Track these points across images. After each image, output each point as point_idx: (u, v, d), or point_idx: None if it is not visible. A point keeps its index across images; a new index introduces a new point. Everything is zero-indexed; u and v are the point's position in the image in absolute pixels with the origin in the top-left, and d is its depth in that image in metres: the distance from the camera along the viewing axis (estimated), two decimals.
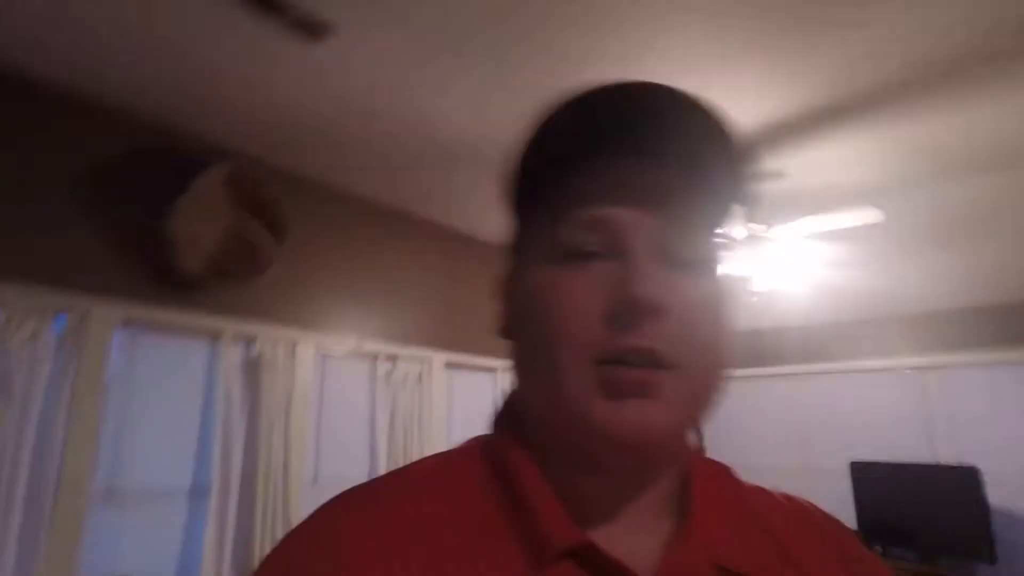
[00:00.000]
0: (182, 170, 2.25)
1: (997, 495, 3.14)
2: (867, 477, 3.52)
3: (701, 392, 0.39)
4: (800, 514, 0.49)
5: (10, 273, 1.95)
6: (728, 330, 0.41)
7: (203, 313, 2.37)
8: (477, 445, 0.46)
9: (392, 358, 3.04)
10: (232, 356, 2.44)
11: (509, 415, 0.46)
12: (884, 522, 3.30)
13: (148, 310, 2.23)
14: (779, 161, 2.49)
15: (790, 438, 4.19)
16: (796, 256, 2.87)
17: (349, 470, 2.85)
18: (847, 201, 2.74)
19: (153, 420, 2.27)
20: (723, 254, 0.44)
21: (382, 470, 2.87)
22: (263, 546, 2.35)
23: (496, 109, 2.22)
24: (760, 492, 0.50)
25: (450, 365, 3.32)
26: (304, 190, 2.81)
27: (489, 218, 3.33)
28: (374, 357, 3.00)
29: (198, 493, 2.33)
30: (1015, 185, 2.66)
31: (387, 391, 3.01)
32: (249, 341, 2.52)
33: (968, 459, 3.34)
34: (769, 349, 4.32)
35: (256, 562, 2.32)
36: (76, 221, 2.12)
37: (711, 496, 0.44)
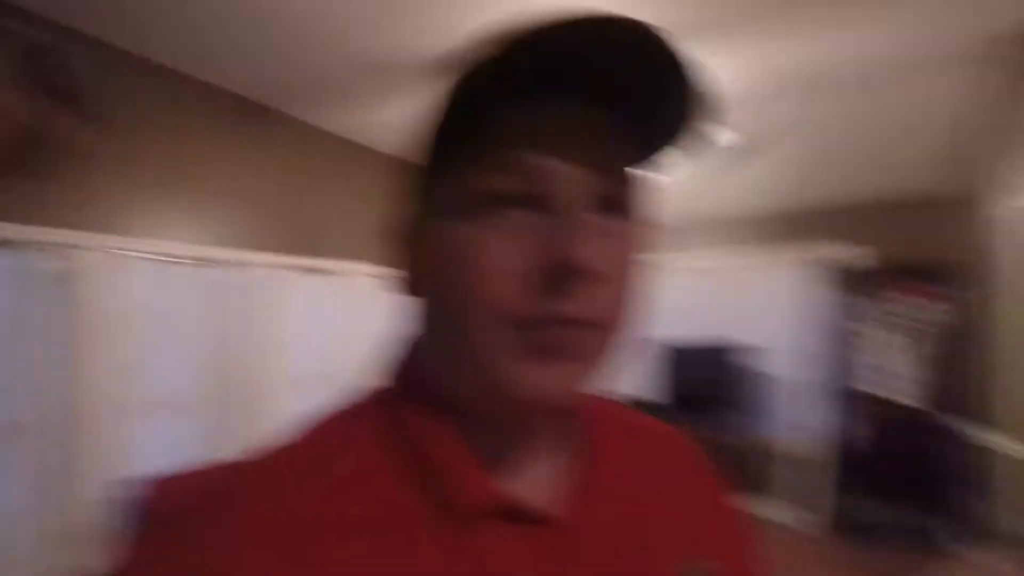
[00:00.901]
0: None
1: (761, 364, 4.10)
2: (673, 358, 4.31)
3: (614, 343, 0.38)
4: (670, 438, 0.54)
5: None
6: (643, 279, 0.39)
7: None
8: (377, 404, 0.42)
9: (236, 265, 2.72)
10: (39, 269, 1.98)
11: (412, 370, 0.43)
12: (680, 395, 4.18)
13: None
14: None
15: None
16: None
17: (195, 390, 2.60)
18: None
19: None
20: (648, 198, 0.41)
21: (231, 388, 2.66)
22: (90, 490, 2.09)
23: None
24: (638, 420, 0.54)
25: (297, 270, 3.06)
26: (128, 69, 2.22)
27: (351, 113, 2.98)
28: (215, 264, 2.65)
29: (6, 433, 1.96)
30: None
31: (229, 301, 2.71)
32: (60, 250, 2.05)
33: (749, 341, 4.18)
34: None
35: (84, 510, 2.07)
36: None
37: (605, 434, 0.46)
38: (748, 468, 4.07)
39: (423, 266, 0.40)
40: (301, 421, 0.42)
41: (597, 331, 0.36)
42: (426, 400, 0.40)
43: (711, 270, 4.38)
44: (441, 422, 0.39)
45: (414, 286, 0.42)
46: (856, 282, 3.91)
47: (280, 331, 2.97)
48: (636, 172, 0.39)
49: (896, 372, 3.76)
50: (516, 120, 0.36)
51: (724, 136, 2.70)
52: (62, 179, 1.94)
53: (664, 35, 0.33)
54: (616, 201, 0.37)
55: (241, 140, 2.77)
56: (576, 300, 0.34)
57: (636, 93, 0.36)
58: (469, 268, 0.35)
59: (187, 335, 2.60)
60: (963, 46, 2.29)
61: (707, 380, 4.13)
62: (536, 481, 0.41)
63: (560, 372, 0.35)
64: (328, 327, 3.28)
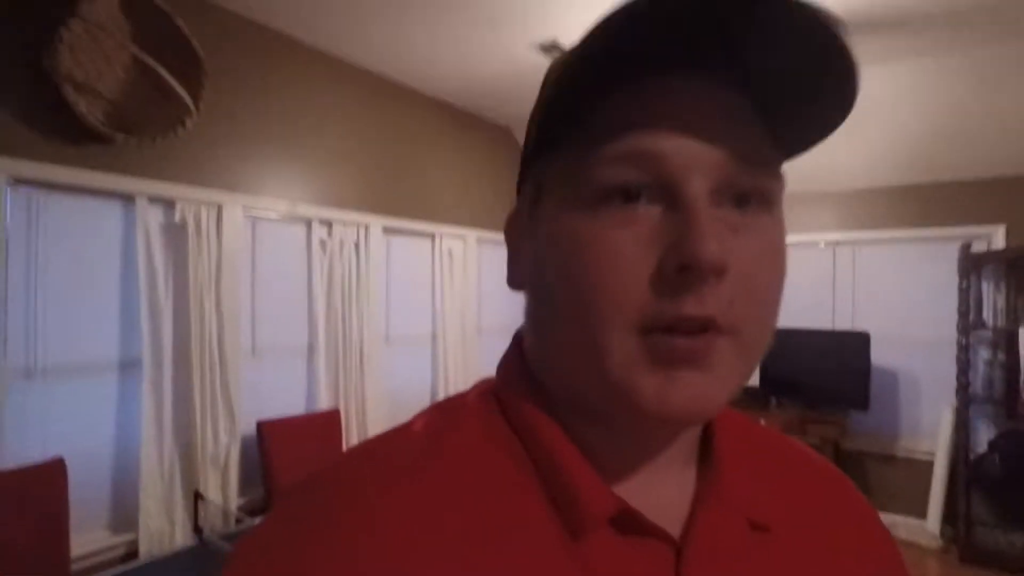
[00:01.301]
0: None
1: (880, 355, 3.60)
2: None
3: (753, 355, 0.34)
4: (820, 471, 0.49)
5: None
6: (783, 280, 0.35)
7: (113, 173, 2.05)
8: (487, 399, 0.41)
9: (327, 223, 2.86)
10: (151, 221, 2.17)
11: (521, 366, 0.41)
12: (779, 378, 3.69)
13: (44, 168, 1.89)
14: None
15: None
16: None
17: (288, 339, 2.77)
18: None
19: (65, 290, 2.02)
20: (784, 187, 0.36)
21: (321, 339, 2.81)
22: (204, 420, 2.29)
23: None
24: (781, 442, 0.50)
25: (388, 231, 3.17)
26: (227, 27, 2.38)
27: (439, 70, 3.03)
28: (308, 221, 2.80)
29: (128, 367, 2.18)
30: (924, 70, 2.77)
31: (323, 257, 2.86)
32: (168, 204, 2.24)
33: (862, 325, 3.73)
34: None
35: (199, 438, 2.27)
36: None
37: (735, 447, 0.42)
38: (874, 476, 3.75)
39: (535, 262, 0.37)
40: (418, 412, 0.41)
41: (731, 338, 0.32)
42: (538, 399, 0.38)
43: (832, 248, 4.04)
44: (552, 422, 0.37)
45: (522, 280, 0.40)
46: (1002, 268, 3.35)
47: (380, 289, 3.12)
48: (777, 160, 0.35)
49: None
50: (635, 101, 0.33)
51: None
52: (179, 137, 2.10)
53: (809, 9, 0.28)
54: (753, 192, 0.34)
55: (349, 104, 2.90)
56: (704, 301, 0.31)
57: (768, 69, 0.32)
58: (587, 265, 0.32)
59: (294, 288, 2.77)
60: None
61: (803, 364, 3.73)
62: (653, 488, 0.38)
63: (689, 383, 0.32)
64: (427, 289, 3.42)
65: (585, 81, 0.32)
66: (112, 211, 2.13)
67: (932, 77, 2.94)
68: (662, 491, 0.38)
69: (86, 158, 1.97)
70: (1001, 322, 3.40)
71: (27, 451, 1.88)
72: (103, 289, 2.13)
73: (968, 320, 3.33)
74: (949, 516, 3.38)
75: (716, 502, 0.38)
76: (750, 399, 3.76)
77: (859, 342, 3.63)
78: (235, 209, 2.43)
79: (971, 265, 3.34)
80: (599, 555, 0.34)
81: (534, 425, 0.37)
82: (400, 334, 3.30)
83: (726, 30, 0.31)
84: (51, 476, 1.85)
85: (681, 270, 0.30)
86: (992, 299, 3.47)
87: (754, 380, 3.89)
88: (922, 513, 3.51)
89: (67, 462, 1.89)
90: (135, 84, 2.00)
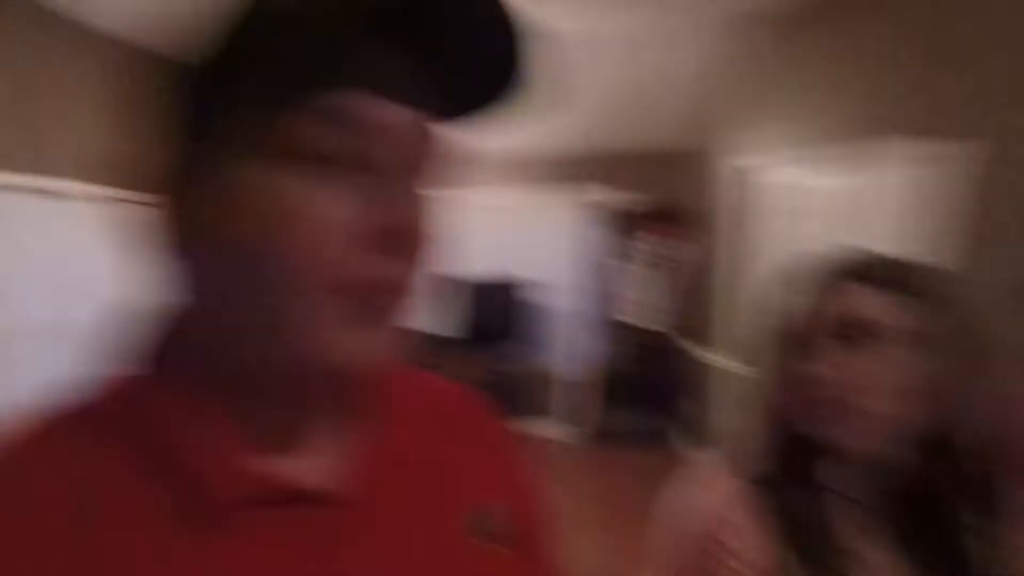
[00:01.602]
0: None
1: (540, 297, 4.41)
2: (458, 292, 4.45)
3: (412, 300, 0.37)
4: (457, 396, 0.53)
5: None
6: (437, 227, 0.38)
7: None
8: (109, 392, 0.36)
9: None
10: None
11: (161, 346, 0.37)
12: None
13: None
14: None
15: None
16: None
17: None
18: None
19: None
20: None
21: None
22: None
23: None
24: (424, 380, 0.52)
25: (16, 190, 2.46)
26: None
27: None
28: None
29: None
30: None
31: None
32: None
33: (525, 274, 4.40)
34: None
35: None
36: None
37: (394, 399, 0.44)
38: (529, 393, 4.47)
39: (207, 217, 0.33)
40: (21, 414, 0.35)
41: (406, 293, 0.35)
42: (181, 380, 0.36)
43: (502, 208, 4.57)
44: (197, 405, 0.35)
45: (187, 240, 0.34)
46: (620, 223, 4.40)
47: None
48: (440, 124, 0.37)
49: (650, 303, 4.37)
50: (343, 65, 0.32)
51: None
52: None
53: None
54: (428, 160, 0.35)
55: None
56: (400, 263, 0.33)
57: (459, 44, 0.34)
58: (290, 225, 0.31)
59: None
60: (712, 21, 2.60)
61: (497, 314, 4.38)
62: (318, 458, 0.38)
63: (377, 337, 0.34)
64: (58, 265, 2.68)
65: (293, 33, 0.31)
66: None
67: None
68: (324, 455, 0.38)
69: None
70: (627, 264, 4.44)
71: None
72: None
73: (604, 264, 4.37)
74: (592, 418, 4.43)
75: (377, 455, 0.40)
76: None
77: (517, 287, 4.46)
78: None
79: (605, 220, 4.37)
80: (240, 532, 0.33)
81: (163, 411, 0.35)
82: (33, 323, 2.60)
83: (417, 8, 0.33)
84: None
85: (385, 233, 0.32)
86: (613, 248, 4.46)
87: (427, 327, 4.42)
88: (576, 419, 4.47)
89: None
90: None
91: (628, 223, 4.40)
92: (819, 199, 2.45)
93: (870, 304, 0.62)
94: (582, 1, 2.28)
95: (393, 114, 0.33)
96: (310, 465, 0.37)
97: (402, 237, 0.32)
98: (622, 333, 4.52)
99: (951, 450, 0.62)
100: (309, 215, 0.31)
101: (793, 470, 0.65)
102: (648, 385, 4.33)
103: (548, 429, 4.44)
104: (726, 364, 3.16)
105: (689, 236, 4.12)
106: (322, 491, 0.36)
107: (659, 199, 4.30)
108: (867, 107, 2.19)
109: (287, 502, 0.35)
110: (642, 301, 4.43)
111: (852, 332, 0.61)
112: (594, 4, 2.32)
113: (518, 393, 4.37)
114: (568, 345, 4.51)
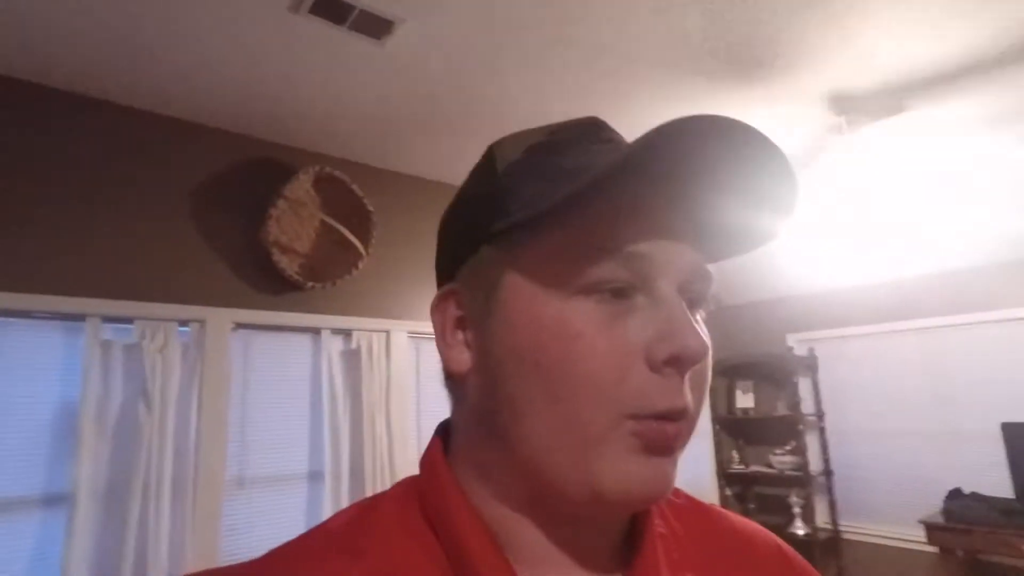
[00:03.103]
0: (275, 178, 2.34)
1: None
2: (1021, 437, 3.26)
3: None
4: (752, 539, 0.48)
5: (141, 292, 2.13)
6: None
7: (305, 312, 2.50)
8: (407, 494, 0.41)
9: None
10: (332, 350, 2.57)
11: (442, 458, 0.41)
12: None
13: (256, 314, 2.37)
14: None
15: (931, 398, 3.79)
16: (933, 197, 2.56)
17: None
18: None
19: (269, 413, 2.44)
20: None
21: None
22: None
23: (555, 99, 2.18)
24: (710, 515, 0.49)
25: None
26: (383, 181, 2.87)
27: None
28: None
29: (314, 478, 2.50)
30: None
31: None
32: (347, 334, 2.64)
33: None
34: (905, 301, 3.93)
35: None
36: (191, 239, 2.27)
37: (658, 524, 0.42)
38: None
39: (489, 346, 0.37)
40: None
41: (688, 423, 0.35)
42: (456, 489, 0.39)
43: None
44: (475, 514, 0.38)
45: (465, 368, 0.39)
46: None
47: None
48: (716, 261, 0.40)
49: None
50: (613, 202, 0.35)
51: None
52: (353, 277, 2.52)
53: (770, 140, 0.33)
54: (703, 295, 0.38)
55: None
56: (685, 391, 0.33)
57: (737, 186, 0.36)
58: (584, 351, 0.33)
59: None
60: None
61: None
62: None
63: (663, 467, 0.34)
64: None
65: (583, 178, 0.33)
66: (302, 343, 2.57)
67: None
68: None
69: (284, 302, 2.44)
70: None
71: (237, 549, 2.22)
72: (296, 410, 2.52)
73: None
74: None
75: None
76: (1004, 516, 3.06)
77: None
78: (400, 334, 2.78)
79: None
80: None
81: (449, 516, 0.37)
82: None
83: (693, 153, 0.34)
84: None
85: (670, 361, 0.32)
86: None
87: (1001, 489, 3.26)
88: None
89: None
90: (322, 240, 2.48)
91: None
92: None
93: None
94: None
95: (669, 251, 0.35)
96: None
97: (691, 365, 0.33)
98: None
99: None
100: (601, 342, 0.33)
101: None
102: None
103: None
104: None
105: None
106: None
107: None
108: None
109: None
110: None
111: None
112: None
113: None
114: None
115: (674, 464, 0.35)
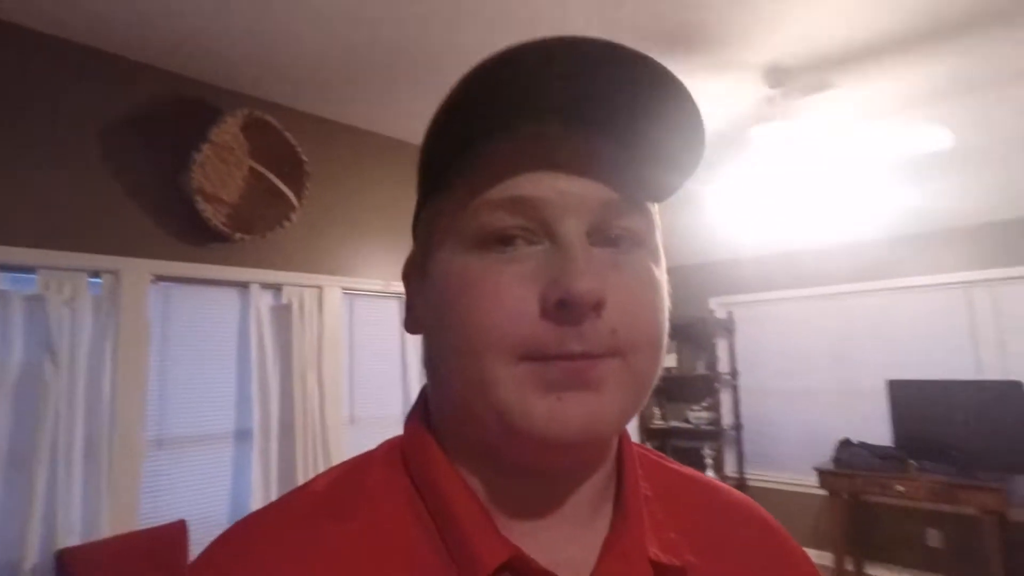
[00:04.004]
0: (202, 121, 2.16)
1: None
2: (905, 395, 3.54)
3: (643, 379, 0.36)
4: (736, 507, 0.49)
5: (45, 239, 1.92)
6: (664, 310, 0.38)
7: (232, 265, 2.36)
8: (392, 455, 0.41)
9: None
10: (262, 305, 2.45)
11: (425, 415, 0.42)
12: (921, 438, 3.35)
13: (178, 265, 2.22)
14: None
15: (829, 358, 4.15)
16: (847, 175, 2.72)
17: (384, 409, 2.95)
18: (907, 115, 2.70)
19: (193, 370, 2.31)
20: (656, 227, 0.40)
21: None
22: None
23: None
24: (695, 482, 0.50)
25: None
26: (321, 131, 2.72)
27: None
28: (401, 297, 3.02)
29: (241, 437, 2.42)
30: None
31: None
32: (277, 289, 2.52)
33: (1014, 374, 3.31)
34: (816, 269, 4.24)
35: None
36: (104, 182, 2.06)
37: (647, 492, 0.43)
38: None
39: (428, 304, 0.39)
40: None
41: (619, 360, 0.34)
42: (437, 450, 0.39)
43: (964, 289, 3.80)
44: (450, 468, 0.38)
45: (419, 323, 0.41)
46: None
47: None
48: (645, 201, 0.38)
49: None
50: (511, 147, 0.35)
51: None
52: (284, 230, 2.39)
53: (651, 59, 0.32)
54: (625, 233, 0.36)
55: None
56: (583, 335, 0.33)
57: (621, 116, 0.36)
58: (474, 302, 0.34)
59: (389, 360, 2.97)
60: None
61: (948, 421, 3.39)
62: (559, 534, 0.38)
63: (578, 402, 0.33)
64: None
65: (459, 132, 0.35)
66: (229, 298, 2.43)
67: None
68: (569, 539, 0.38)
69: (209, 254, 2.29)
70: None
71: (157, 512, 2.12)
72: (222, 367, 2.40)
73: None
74: None
75: (621, 552, 0.38)
76: (883, 462, 3.45)
77: (1014, 393, 3.20)
78: (334, 290, 2.69)
79: None
80: None
81: (431, 476, 0.38)
82: None
83: (562, 82, 0.33)
84: (175, 536, 2.06)
85: (560, 305, 0.32)
86: None
87: (886, 439, 3.64)
88: None
89: (189, 524, 2.10)
90: (251, 189, 2.33)
91: None
92: None
93: None
94: None
95: (568, 194, 0.34)
96: (557, 556, 0.37)
97: (581, 309, 0.32)
98: None
99: None
100: (492, 289, 0.34)
101: None
102: None
103: None
104: None
105: None
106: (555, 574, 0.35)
107: None
108: None
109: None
110: None
111: None
112: None
113: None
114: None
115: (599, 399, 0.34)
